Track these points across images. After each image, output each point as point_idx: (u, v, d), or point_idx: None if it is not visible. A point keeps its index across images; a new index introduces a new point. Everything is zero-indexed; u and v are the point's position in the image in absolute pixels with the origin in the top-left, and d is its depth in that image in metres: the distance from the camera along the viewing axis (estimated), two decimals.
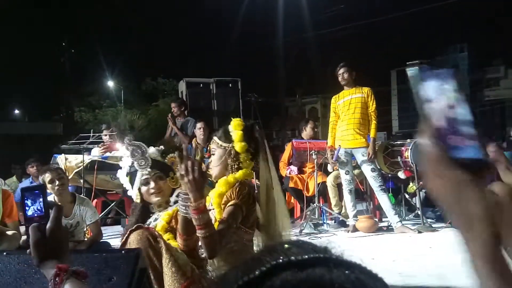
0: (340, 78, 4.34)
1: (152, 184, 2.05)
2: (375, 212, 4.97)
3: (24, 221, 0.88)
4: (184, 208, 1.62)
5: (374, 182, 4.21)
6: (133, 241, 1.53)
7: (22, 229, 4.09)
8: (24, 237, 3.49)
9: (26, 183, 5.74)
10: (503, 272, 0.42)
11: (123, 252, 1.18)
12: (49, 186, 3.28)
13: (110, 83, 17.41)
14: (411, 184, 4.57)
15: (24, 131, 15.31)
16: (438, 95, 0.53)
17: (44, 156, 7.16)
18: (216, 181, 1.93)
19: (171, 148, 2.07)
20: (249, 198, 1.79)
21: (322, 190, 4.79)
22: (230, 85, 6.73)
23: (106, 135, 4.76)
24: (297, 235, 4.10)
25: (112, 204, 4.40)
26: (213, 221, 1.81)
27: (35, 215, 0.88)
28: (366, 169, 4.24)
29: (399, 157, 4.50)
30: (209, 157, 5.59)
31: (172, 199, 2.02)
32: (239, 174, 1.84)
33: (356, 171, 4.60)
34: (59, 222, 0.88)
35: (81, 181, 3.98)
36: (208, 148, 5.38)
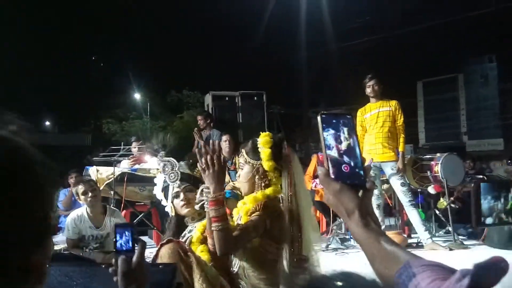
0: (369, 90, 4.29)
1: (181, 196, 2.09)
2: (404, 227, 4.86)
3: (114, 254, 1.02)
4: (207, 203, 1.65)
5: (403, 197, 4.13)
6: (164, 255, 1.56)
7: (54, 239, 4.19)
8: (56, 247, 3.58)
9: (64, 191, 5.90)
10: (371, 234, 0.72)
11: (160, 266, 1.20)
12: (82, 197, 3.37)
13: (137, 95, 17.83)
14: (441, 199, 4.46)
15: (55, 142, 15.79)
16: (334, 140, 0.78)
17: (73, 167, 7.35)
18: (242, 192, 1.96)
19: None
20: (274, 212, 1.80)
21: None
22: (255, 98, 6.79)
23: (135, 147, 4.87)
24: (323, 250, 4.06)
25: (140, 216, 4.47)
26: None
27: (123, 248, 1.02)
28: (396, 184, 4.16)
29: (428, 172, 4.41)
30: (234, 170, 5.63)
31: (197, 196, 2.04)
32: (269, 190, 1.85)
33: (384, 186, 4.53)
34: (143, 257, 1.01)
35: (112, 192, 4.06)
36: (234, 160, 5.42)
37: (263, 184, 1.87)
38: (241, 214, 1.87)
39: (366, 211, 0.74)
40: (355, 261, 3.60)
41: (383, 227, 4.20)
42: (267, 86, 8.73)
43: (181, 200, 2.09)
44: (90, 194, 3.34)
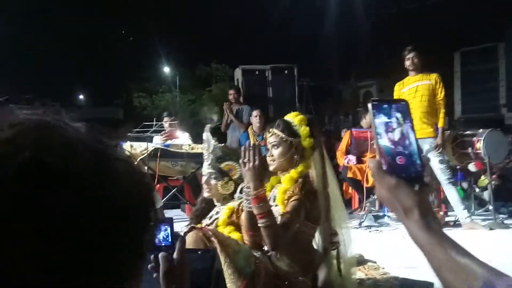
0: (408, 63, 4.07)
1: (203, 180, 2.08)
2: (440, 205, 4.71)
3: (153, 249, 0.97)
4: (248, 202, 1.63)
5: (442, 174, 3.97)
6: (188, 244, 1.54)
7: None
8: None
9: None
10: (435, 238, 0.62)
11: (199, 252, 1.17)
12: None
13: (166, 69, 17.92)
14: (482, 177, 4.28)
15: (89, 116, 16.21)
16: (387, 129, 0.71)
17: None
18: (274, 174, 1.92)
19: (227, 156, 2.07)
20: (312, 193, 1.77)
21: None
22: (286, 71, 6.62)
23: (167, 122, 4.88)
24: (356, 227, 4.00)
25: (174, 190, 4.53)
26: (277, 218, 1.80)
27: (163, 244, 0.98)
28: (434, 161, 4.00)
29: (469, 148, 4.21)
30: (265, 145, 5.59)
31: (236, 195, 2.02)
32: (301, 168, 1.83)
33: None
34: (184, 254, 0.98)
35: (146, 168, 4.12)
36: (264, 136, 5.36)
37: (297, 162, 1.85)
38: (275, 192, 1.84)
39: (426, 209, 0.66)
40: (389, 239, 3.52)
41: None
42: (296, 59, 8.53)
43: (204, 184, 2.08)
44: None
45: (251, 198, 1.59)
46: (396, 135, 0.71)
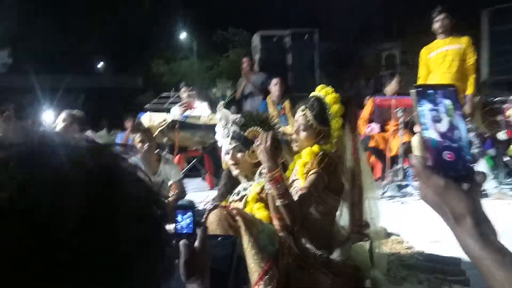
0: (437, 26, 3.83)
1: (229, 156, 2.01)
2: None
3: (174, 236, 0.96)
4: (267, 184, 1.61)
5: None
6: (212, 222, 1.51)
7: None
8: None
9: (121, 135, 6.13)
10: (493, 252, 0.54)
11: (220, 239, 1.13)
12: (138, 145, 3.42)
13: (183, 35, 17.65)
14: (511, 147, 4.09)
15: (108, 84, 16.28)
16: (433, 119, 0.63)
17: (128, 109, 7.55)
18: (299, 151, 1.85)
19: (252, 121, 1.98)
20: (331, 166, 1.71)
21: (407, 150, 4.47)
22: (306, 36, 6.39)
23: (185, 92, 4.82)
24: (378, 198, 3.92)
25: (194, 161, 4.53)
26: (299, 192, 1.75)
27: (184, 231, 0.97)
28: None
29: (499, 116, 4.01)
30: (284, 114, 5.46)
31: (256, 176, 1.97)
32: (325, 146, 1.77)
33: None
34: (205, 243, 0.96)
35: (165, 139, 4.12)
36: (283, 105, 5.26)
37: (323, 140, 1.79)
38: (297, 167, 1.79)
39: (481, 216, 0.58)
40: (413, 211, 3.44)
41: None
42: (316, 23, 8.20)
43: (230, 160, 2.02)
44: (146, 143, 3.38)
45: (267, 179, 1.57)
46: (443, 126, 0.63)
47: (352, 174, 1.79)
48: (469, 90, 3.79)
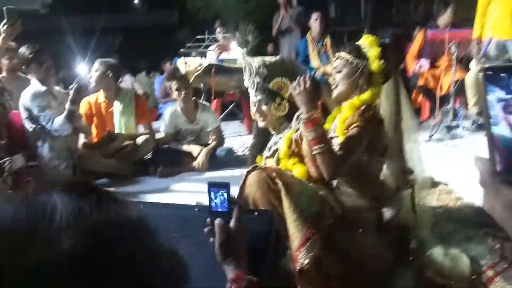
0: None
1: (254, 108, 1.93)
2: None
3: (209, 214, 0.95)
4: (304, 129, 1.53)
5: None
6: (251, 185, 1.46)
7: (155, 126, 4.44)
8: (158, 135, 3.77)
9: (159, 79, 6.12)
10: None
11: (255, 214, 1.08)
12: (175, 93, 3.39)
13: None
14: None
15: (143, 21, 16.03)
16: (505, 110, 0.51)
17: (164, 46, 7.43)
18: (339, 102, 1.72)
19: (276, 71, 1.86)
20: (374, 120, 1.57)
21: (460, 88, 4.13)
22: None
23: (219, 32, 4.62)
24: (426, 141, 3.73)
25: (232, 105, 4.47)
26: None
27: (219, 209, 0.94)
28: None
29: None
30: (325, 52, 5.15)
31: (293, 123, 1.88)
32: (366, 95, 1.61)
33: None
34: (241, 223, 0.93)
35: (201, 85, 4.04)
36: (324, 42, 4.94)
37: (364, 87, 1.63)
38: (336, 123, 1.66)
39: None
40: (464, 156, 3.24)
41: None
42: None
43: (256, 112, 1.93)
44: (183, 91, 3.34)
45: (304, 122, 1.49)
46: None
47: (395, 122, 1.66)
48: None
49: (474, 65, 3.85)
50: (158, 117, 5.44)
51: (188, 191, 2.82)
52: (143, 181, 3.09)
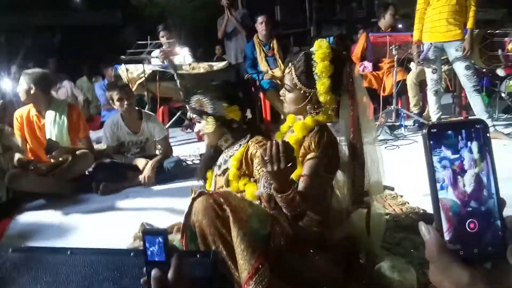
0: None
1: (196, 129, 1.91)
2: (461, 111, 4.46)
3: (145, 263, 0.86)
4: (269, 187, 1.42)
5: (467, 81, 3.64)
6: (198, 211, 1.37)
7: (94, 135, 4.19)
8: (98, 146, 3.55)
9: (100, 84, 5.79)
10: None
11: (198, 256, 1.00)
12: (117, 104, 3.21)
13: None
14: (510, 82, 3.91)
15: (87, 22, 15.26)
16: (452, 173, 0.47)
17: (107, 48, 7.09)
18: (289, 114, 1.67)
19: (191, 89, 1.84)
20: (331, 147, 1.51)
21: (401, 89, 4.29)
22: None
23: (163, 36, 4.45)
24: (369, 143, 3.81)
25: (179, 113, 4.32)
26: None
27: (156, 259, 0.86)
28: (459, 67, 3.63)
29: (499, 50, 3.78)
30: (273, 55, 5.14)
31: (260, 184, 1.77)
32: (320, 117, 1.55)
33: (445, 67, 4.00)
34: (181, 272, 0.85)
35: (145, 93, 3.87)
36: (271, 45, 4.92)
37: (315, 112, 1.56)
38: (287, 139, 1.61)
39: None
40: (407, 156, 3.36)
41: (438, 114, 3.84)
42: None
43: (196, 132, 1.89)
44: (126, 102, 3.16)
45: (278, 200, 1.36)
46: (468, 182, 0.47)
47: (352, 147, 1.59)
48: (470, 23, 3.52)
49: (413, 66, 4.00)
50: (101, 125, 5.18)
51: (133, 209, 2.68)
52: (84, 200, 2.89)
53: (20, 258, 1.07)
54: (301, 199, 1.39)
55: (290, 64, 1.61)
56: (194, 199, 1.41)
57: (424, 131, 0.49)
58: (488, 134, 0.49)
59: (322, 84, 1.49)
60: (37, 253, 1.08)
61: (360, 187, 1.65)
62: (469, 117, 4.29)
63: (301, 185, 1.44)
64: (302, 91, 1.54)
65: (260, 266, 1.31)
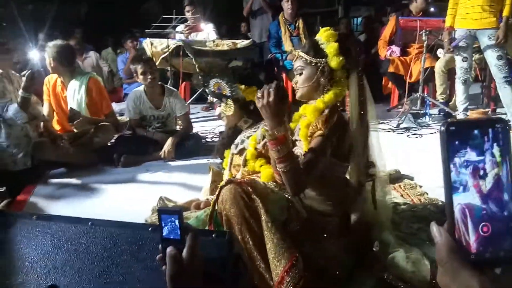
0: None
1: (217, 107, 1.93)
2: (489, 102, 4.31)
3: (160, 241, 0.88)
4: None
5: (498, 72, 3.50)
6: (226, 200, 1.36)
7: (117, 107, 4.24)
8: (121, 118, 3.60)
9: (122, 58, 5.82)
10: None
11: (214, 236, 1.01)
12: (140, 77, 3.23)
13: None
14: None
15: None
16: (470, 173, 0.44)
17: (130, 21, 7.07)
18: (302, 102, 1.66)
19: (211, 72, 1.83)
20: (339, 127, 1.51)
21: (428, 77, 4.17)
22: None
23: (188, 11, 4.41)
24: (393, 129, 3.75)
25: (201, 89, 4.32)
26: (301, 154, 1.60)
27: (171, 237, 0.88)
28: (491, 56, 3.49)
29: None
30: (298, 35, 5.06)
31: (258, 132, 1.81)
32: (329, 96, 1.54)
33: (476, 56, 3.85)
34: (195, 251, 0.86)
35: (168, 68, 3.87)
36: (296, 25, 4.83)
37: (327, 88, 1.56)
38: (299, 126, 1.60)
39: None
40: (429, 146, 3.29)
41: (465, 104, 3.73)
42: None
43: (216, 114, 1.92)
44: (149, 76, 3.18)
45: (268, 139, 1.37)
46: (487, 184, 0.45)
47: (361, 115, 1.58)
48: (506, 11, 3.36)
49: (441, 53, 3.88)
50: (124, 97, 5.23)
51: (152, 183, 2.73)
52: (104, 171, 2.96)
53: (43, 226, 1.11)
54: (298, 162, 1.40)
55: (298, 52, 1.62)
56: (221, 188, 1.42)
57: (442, 128, 0.47)
58: (509, 134, 0.47)
59: (330, 47, 1.51)
60: (59, 222, 1.11)
61: (367, 161, 1.65)
62: (496, 109, 4.15)
63: (303, 159, 1.43)
64: (313, 64, 1.54)
65: (295, 261, 1.32)
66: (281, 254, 1.29)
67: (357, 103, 1.59)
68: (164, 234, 0.90)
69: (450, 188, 0.46)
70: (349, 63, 1.55)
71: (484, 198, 0.46)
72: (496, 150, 0.46)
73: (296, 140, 1.59)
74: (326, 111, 1.52)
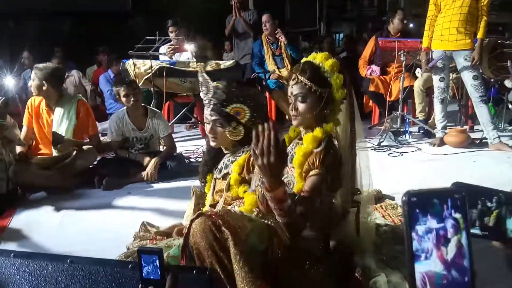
0: None
1: (207, 126, 1.81)
2: (467, 120, 4.43)
3: (140, 281, 0.89)
4: (261, 186, 1.40)
5: (474, 91, 3.61)
6: (196, 233, 1.33)
7: (100, 126, 4.20)
8: (104, 138, 3.56)
9: (105, 76, 5.77)
10: None
11: (194, 272, 1.02)
12: (123, 99, 3.22)
13: None
14: None
15: (91, 7, 15.18)
16: (432, 243, 0.47)
17: (116, 37, 7.03)
18: (298, 127, 1.66)
19: (234, 97, 1.75)
20: (335, 164, 1.52)
21: (407, 95, 4.27)
22: None
23: (172, 32, 4.44)
24: (374, 147, 3.82)
25: (185, 109, 4.32)
26: (291, 184, 1.60)
27: (151, 277, 0.89)
28: (467, 76, 3.61)
29: (509, 62, 3.75)
30: (280, 54, 5.10)
31: (252, 182, 1.77)
32: (329, 126, 1.56)
33: (453, 76, 3.97)
34: None
35: (152, 89, 3.86)
36: (278, 44, 4.89)
37: (326, 118, 1.57)
38: (293, 150, 1.60)
39: None
40: (410, 164, 3.35)
41: (444, 123, 3.82)
42: None
43: (209, 132, 1.82)
44: (132, 98, 3.17)
45: (268, 197, 1.33)
46: (450, 251, 0.47)
47: (351, 141, 1.63)
48: (480, 33, 3.48)
49: (419, 72, 3.99)
50: (107, 116, 5.19)
51: (134, 207, 2.70)
52: (85, 195, 2.92)
53: (21, 264, 1.10)
54: (296, 207, 1.37)
55: (294, 75, 1.59)
56: (192, 221, 1.40)
57: (404, 198, 0.48)
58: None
59: (337, 78, 1.52)
60: (38, 259, 1.10)
61: (353, 187, 1.67)
62: (474, 126, 4.26)
63: (301, 203, 1.42)
64: (317, 93, 1.53)
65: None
66: (250, 284, 1.29)
67: (348, 133, 1.62)
68: (144, 274, 0.91)
69: (412, 257, 0.47)
70: (347, 89, 1.57)
71: (446, 265, 0.47)
72: (456, 217, 0.48)
73: (288, 166, 1.59)
74: (323, 144, 1.52)
